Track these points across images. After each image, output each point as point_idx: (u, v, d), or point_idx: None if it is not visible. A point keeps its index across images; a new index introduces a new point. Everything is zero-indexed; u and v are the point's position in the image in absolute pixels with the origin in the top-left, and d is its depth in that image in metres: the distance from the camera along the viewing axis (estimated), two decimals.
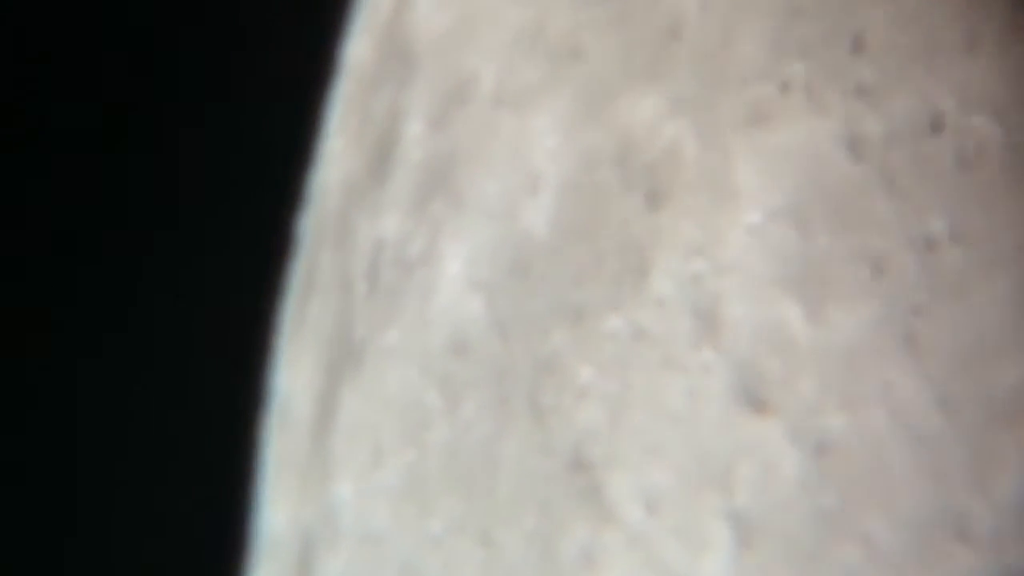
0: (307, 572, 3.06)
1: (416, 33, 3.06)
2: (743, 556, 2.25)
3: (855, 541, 2.14)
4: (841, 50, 2.28)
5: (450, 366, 2.77)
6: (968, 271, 2.08)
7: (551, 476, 2.50)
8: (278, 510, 3.31)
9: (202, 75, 5.11)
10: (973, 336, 2.07)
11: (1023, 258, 2.02)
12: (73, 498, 5.27)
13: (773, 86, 2.36)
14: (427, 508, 2.77)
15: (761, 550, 2.24)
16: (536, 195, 2.65)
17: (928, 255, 2.13)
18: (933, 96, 2.16)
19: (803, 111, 2.31)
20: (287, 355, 3.37)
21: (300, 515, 3.18)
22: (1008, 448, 2.00)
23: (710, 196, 2.40)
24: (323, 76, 3.39)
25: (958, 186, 2.11)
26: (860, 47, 2.26)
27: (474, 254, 2.76)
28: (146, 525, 5.26)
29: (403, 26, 3.11)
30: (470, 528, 2.61)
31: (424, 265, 2.89)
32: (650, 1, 2.54)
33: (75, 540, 5.31)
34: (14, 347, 5.20)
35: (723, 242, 2.37)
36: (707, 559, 2.27)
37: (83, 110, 5.17)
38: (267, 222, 3.70)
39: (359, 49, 3.31)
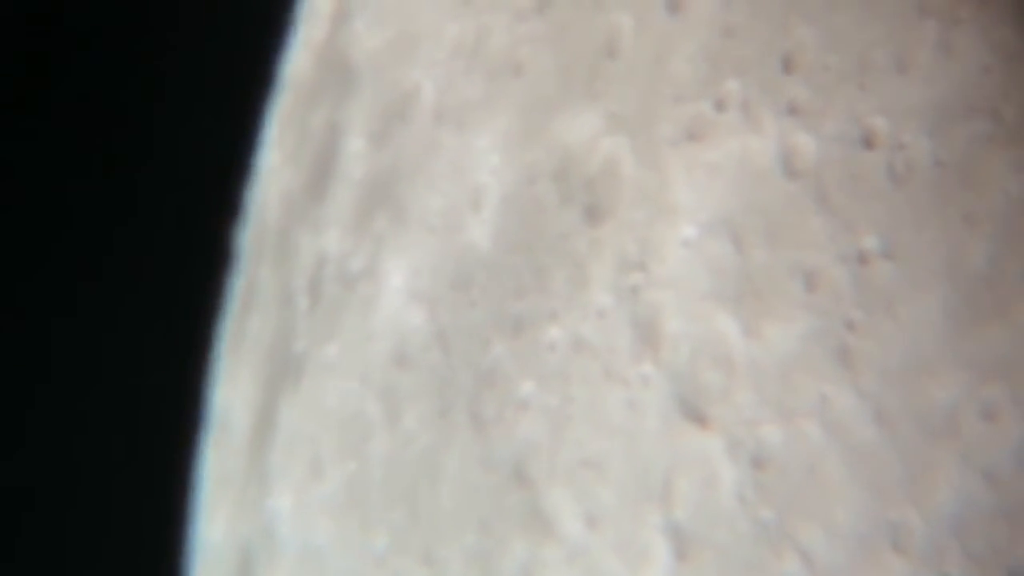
0: None
1: (355, 49, 3.07)
2: (681, 570, 2.27)
3: (792, 553, 2.17)
4: (774, 69, 2.32)
5: (391, 378, 2.78)
6: (900, 286, 2.12)
7: (492, 490, 2.52)
8: (216, 524, 3.30)
9: (142, 91, 5.09)
10: (906, 350, 2.10)
11: (953, 274, 2.06)
12: (10, 515, 5.22)
13: (708, 104, 2.40)
14: (369, 522, 2.78)
15: (699, 563, 2.26)
16: (478, 210, 2.67)
17: (860, 270, 2.17)
18: (865, 114, 2.20)
19: (738, 128, 2.34)
20: (225, 370, 3.37)
21: (238, 529, 3.17)
22: (942, 460, 2.03)
23: (647, 211, 2.43)
24: (261, 91, 3.39)
25: (890, 202, 2.15)
26: (792, 66, 2.30)
27: (416, 268, 2.78)
28: (85, 538, 5.22)
29: (341, 42, 3.12)
30: (413, 546, 2.62)
31: (366, 279, 2.90)
32: (586, 19, 2.57)
33: (10, 553, 5.26)
34: None
35: (660, 256, 2.40)
36: (646, 573, 2.30)
37: (28, 129, 5.13)
38: (205, 237, 3.69)
39: (297, 65, 3.32)
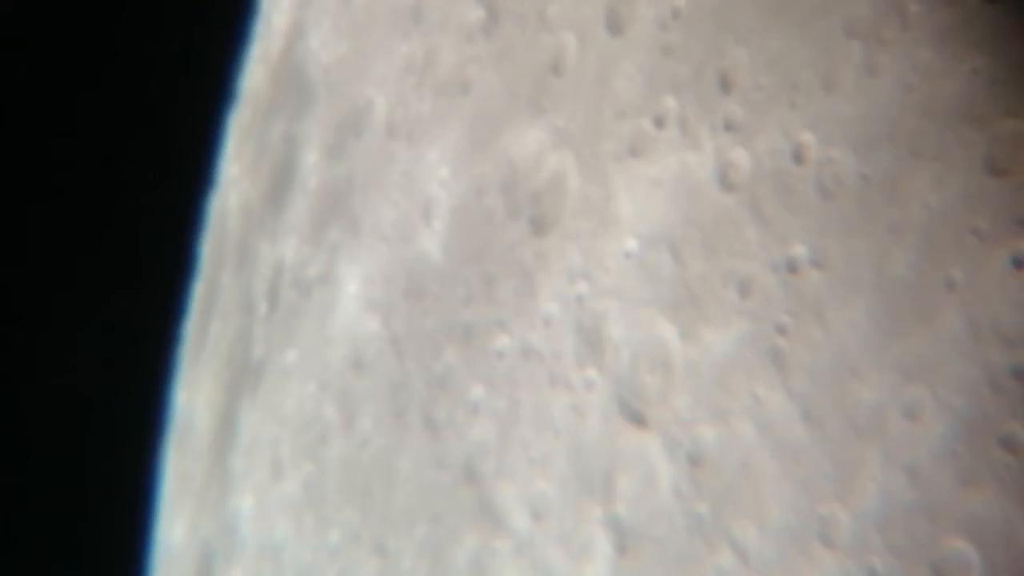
0: None
1: (310, 64, 3.14)
2: (622, 562, 2.35)
3: (727, 546, 2.24)
4: (710, 87, 2.39)
5: (347, 382, 2.86)
6: (828, 293, 2.18)
7: (444, 488, 2.60)
8: (177, 525, 3.35)
9: (104, 103, 5.11)
10: (834, 353, 2.16)
11: (879, 281, 2.12)
12: None
13: (648, 120, 2.48)
14: (325, 520, 2.86)
15: (639, 556, 2.34)
16: (429, 221, 2.74)
17: (791, 278, 2.24)
18: (795, 131, 2.27)
19: (677, 144, 2.42)
20: (187, 374, 3.42)
21: (199, 529, 3.23)
22: (868, 458, 2.08)
23: (592, 223, 2.51)
24: (220, 104, 3.45)
25: (819, 214, 2.22)
26: (728, 85, 2.38)
27: (370, 276, 2.85)
28: (47, 540, 5.23)
29: (297, 57, 3.19)
30: (366, 538, 2.69)
31: (323, 287, 2.97)
32: (532, 38, 2.65)
33: None
34: None
35: (604, 266, 2.48)
36: (589, 565, 2.38)
37: None
38: (167, 245, 3.74)
39: (255, 79, 3.38)
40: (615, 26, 2.57)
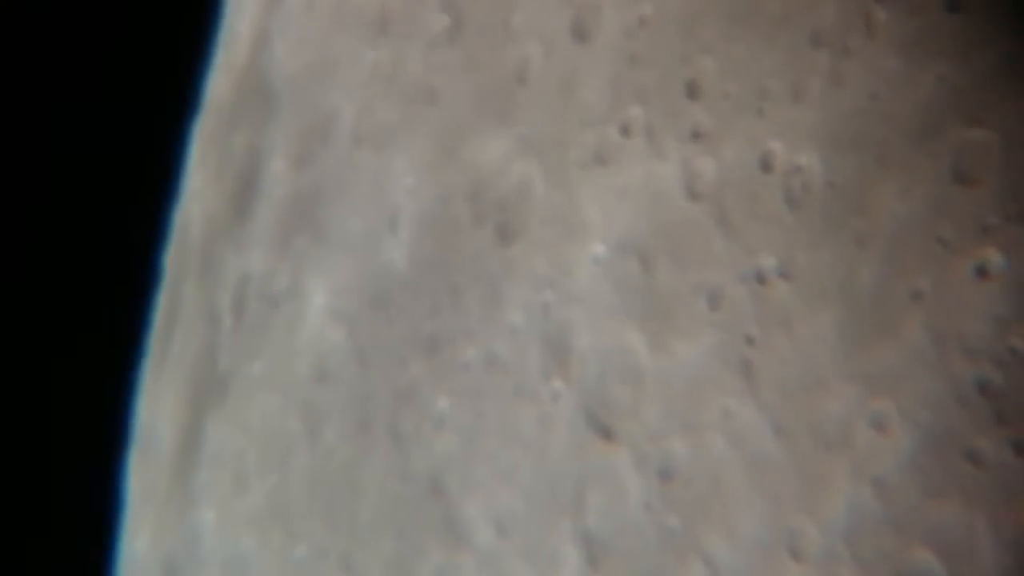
0: None
1: (275, 72, 3.12)
2: None
3: (697, 560, 2.24)
4: (677, 96, 2.40)
5: (313, 394, 2.84)
6: (796, 304, 2.19)
7: (409, 501, 2.58)
8: (140, 538, 3.33)
9: (65, 113, 5.08)
10: (802, 365, 2.17)
11: (846, 293, 2.13)
12: None
13: (614, 129, 2.48)
14: (291, 532, 2.83)
15: (609, 571, 2.33)
16: (395, 231, 2.73)
17: (760, 289, 2.24)
18: (763, 140, 2.28)
19: (643, 153, 2.42)
20: (150, 387, 3.40)
21: (162, 542, 3.20)
22: (836, 471, 2.09)
23: (558, 232, 2.51)
24: (184, 114, 3.43)
25: (786, 224, 2.22)
26: (695, 93, 2.38)
27: (336, 287, 2.84)
28: (9, 553, 5.19)
29: (262, 65, 3.17)
30: (332, 553, 2.67)
31: (289, 298, 2.95)
32: (497, 46, 2.65)
33: None
34: None
35: (571, 275, 2.47)
36: None
37: None
38: (129, 256, 3.71)
39: (219, 88, 3.36)
40: (581, 34, 2.56)
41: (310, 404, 2.83)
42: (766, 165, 2.27)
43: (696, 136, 2.37)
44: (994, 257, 1.95)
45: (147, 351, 3.42)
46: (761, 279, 2.25)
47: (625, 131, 2.46)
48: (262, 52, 3.14)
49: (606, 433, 2.38)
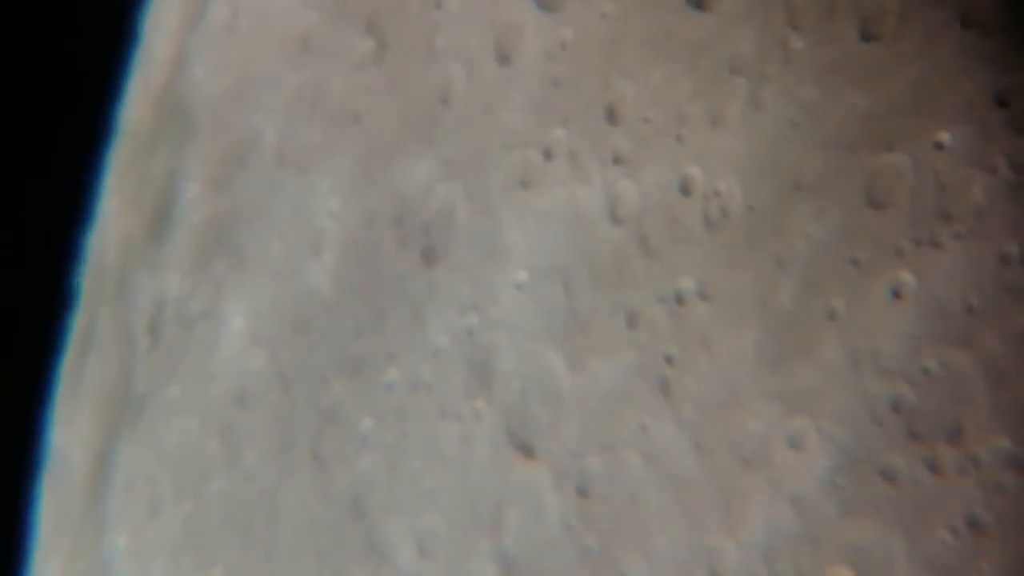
0: None
1: (194, 95, 3.10)
2: None
3: None
4: (599, 120, 2.42)
5: (231, 418, 2.81)
6: (714, 324, 2.21)
7: (330, 524, 2.56)
8: (51, 565, 3.25)
9: None
10: (720, 384, 2.19)
11: (763, 313, 2.16)
12: None
13: (537, 152, 2.50)
14: (205, 558, 2.79)
15: None
16: (318, 254, 2.72)
17: (679, 309, 2.26)
18: (682, 164, 2.30)
19: (566, 176, 2.44)
20: (63, 411, 3.34)
21: (73, 567, 3.14)
22: (754, 489, 2.10)
23: (481, 255, 2.52)
24: (99, 137, 3.39)
25: (705, 246, 2.25)
26: (616, 118, 2.41)
27: (257, 310, 2.81)
28: None
29: (180, 88, 3.15)
30: None
31: (206, 321, 2.92)
32: (421, 69, 2.66)
33: None
34: None
35: (494, 298, 2.48)
36: None
37: None
38: (43, 280, 3.65)
39: (135, 110, 3.33)
40: (503, 57, 2.58)
41: (228, 427, 2.80)
42: (686, 189, 2.30)
43: (617, 160, 2.39)
44: (907, 278, 1.99)
45: (60, 375, 3.36)
46: (680, 300, 2.27)
47: (548, 154, 2.49)
48: (180, 74, 3.12)
49: (527, 451, 2.39)
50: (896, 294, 2.01)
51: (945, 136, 1.97)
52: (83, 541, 3.07)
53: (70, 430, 3.29)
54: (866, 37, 2.10)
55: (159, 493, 2.91)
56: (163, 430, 2.94)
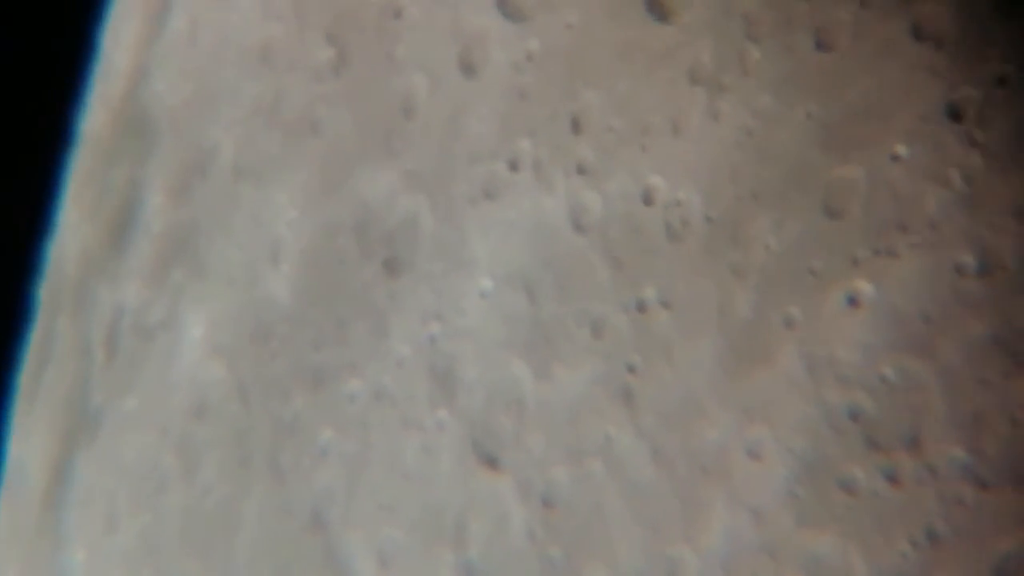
0: None
1: (154, 106, 3.08)
2: None
3: None
4: (563, 130, 2.43)
5: (190, 429, 2.79)
6: (676, 333, 2.22)
7: (289, 537, 2.55)
8: None
9: None
10: (681, 392, 2.19)
11: (723, 322, 2.16)
12: None
13: (502, 163, 2.50)
14: (163, 572, 2.77)
15: None
16: (278, 264, 2.71)
17: (641, 318, 2.27)
18: (645, 173, 2.32)
19: (531, 187, 2.45)
20: (20, 424, 3.30)
21: None
22: (714, 498, 2.11)
23: (446, 265, 2.52)
24: (59, 149, 3.37)
25: (667, 255, 2.26)
26: (580, 128, 2.42)
27: (216, 320, 2.80)
28: None
29: (141, 99, 3.13)
30: None
31: (165, 332, 2.90)
32: (383, 79, 2.65)
33: None
34: None
35: (458, 308, 2.48)
36: None
37: None
38: (2, 290, 3.62)
39: (95, 122, 3.30)
40: (468, 68, 2.59)
41: (187, 439, 2.78)
42: (648, 199, 2.31)
43: (582, 170, 2.40)
44: (864, 288, 2.00)
45: (18, 386, 3.32)
46: (642, 308, 2.28)
47: (513, 165, 2.49)
48: (141, 85, 3.11)
49: (491, 461, 2.39)
50: (853, 303, 2.02)
51: (901, 148, 1.99)
52: (39, 555, 3.03)
53: (27, 442, 3.26)
54: (821, 48, 2.12)
55: (117, 506, 2.88)
56: (121, 442, 2.91)
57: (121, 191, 3.09)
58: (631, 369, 2.27)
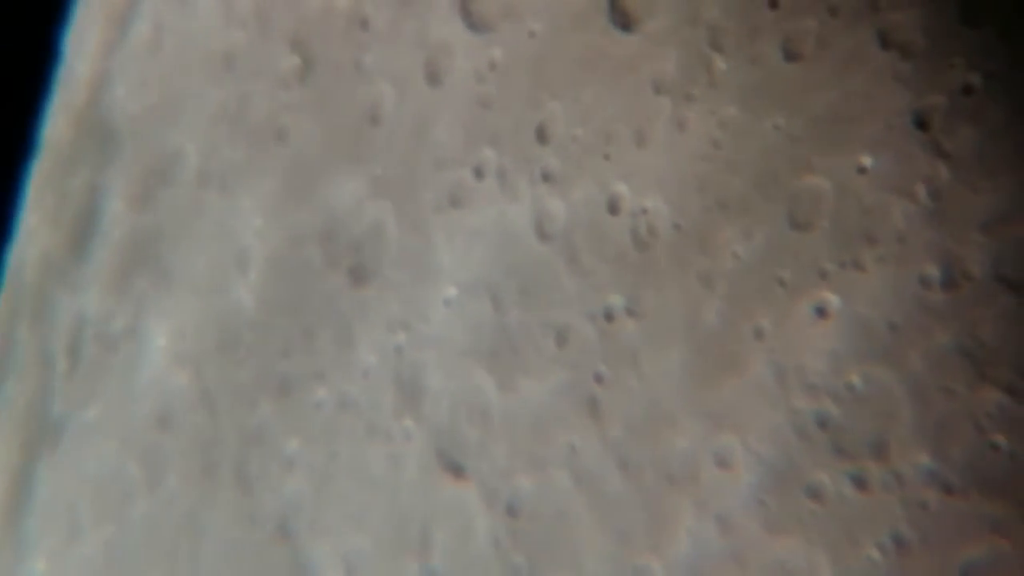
0: None
1: (116, 113, 3.06)
2: None
3: None
4: (528, 139, 2.43)
5: (154, 439, 2.76)
6: (643, 342, 2.22)
7: (255, 546, 2.53)
8: None
9: None
10: (648, 402, 2.19)
11: (690, 330, 2.16)
12: None
13: (468, 171, 2.50)
14: None
15: None
16: (243, 271, 2.69)
17: (607, 327, 2.27)
18: (610, 182, 2.31)
19: (496, 195, 2.44)
20: None
21: None
22: (681, 507, 2.11)
23: (411, 273, 2.51)
24: (19, 154, 3.34)
25: (634, 263, 2.26)
26: (544, 137, 2.42)
27: (181, 329, 2.77)
28: None
29: (102, 106, 3.10)
30: None
31: (128, 340, 2.88)
32: (348, 87, 2.64)
33: None
34: None
35: (424, 316, 2.47)
36: None
37: None
38: None
39: (56, 128, 3.28)
40: (433, 77, 2.58)
41: (151, 449, 2.75)
42: (613, 207, 2.31)
43: (546, 178, 2.40)
44: (831, 298, 2.01)
45: None
46: (609, 317, 2.27)
47: (479, 173, 2.49)
48: (103, 92, 3.08)
49: (456, 470, 2.38)
50: (821, 313, 2.02)
51: (867, 159, 2.00)
52: (0, 565, 3.00)
53: None
54: (788, 58, 2.12)
55: (79, 517, 2.85)
56: (83, 452, 2.88)
57: (81, 198, 3.06)
58: (598, 378, 2.26)
